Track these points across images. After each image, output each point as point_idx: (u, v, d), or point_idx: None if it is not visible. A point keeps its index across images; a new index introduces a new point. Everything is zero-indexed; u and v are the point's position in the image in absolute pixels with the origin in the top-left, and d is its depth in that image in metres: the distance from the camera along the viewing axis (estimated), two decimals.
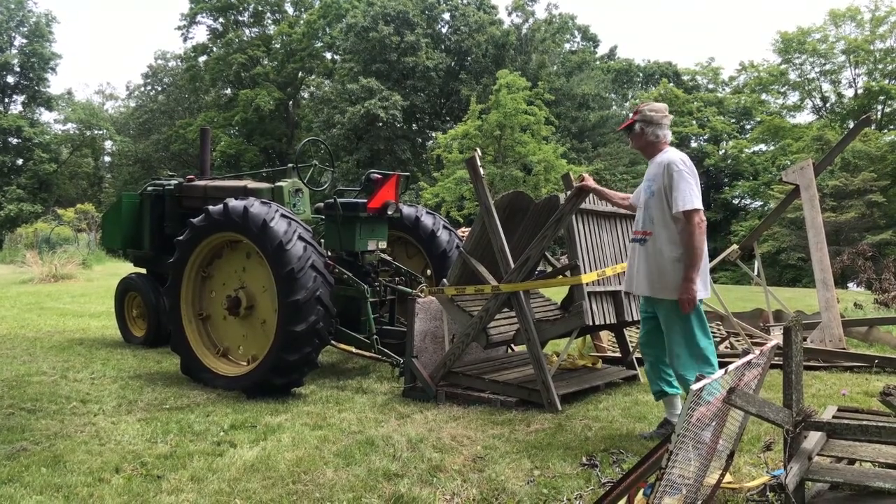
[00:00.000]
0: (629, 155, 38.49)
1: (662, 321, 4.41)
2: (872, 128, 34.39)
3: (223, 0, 47.52)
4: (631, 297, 5.71)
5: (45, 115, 51.15)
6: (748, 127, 45.11)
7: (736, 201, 40.88)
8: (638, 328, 7.43)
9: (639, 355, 6.66)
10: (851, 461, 3.27)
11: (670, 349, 4.39)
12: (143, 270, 8.52)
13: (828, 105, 41.72)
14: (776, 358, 4.20)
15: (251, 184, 7.70)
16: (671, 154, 4.39)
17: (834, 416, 3.61)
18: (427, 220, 7.68)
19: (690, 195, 4.21)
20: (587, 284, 5.28)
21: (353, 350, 6.41)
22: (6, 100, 48.52)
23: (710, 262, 5.26)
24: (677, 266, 4.28)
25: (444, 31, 43.46)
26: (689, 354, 4.31)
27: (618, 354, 6.89)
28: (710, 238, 4.64)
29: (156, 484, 3.71)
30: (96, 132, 54.14)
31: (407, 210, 7.71)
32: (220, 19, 48.95)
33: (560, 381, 5.72)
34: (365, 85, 37.94)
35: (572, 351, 6.69)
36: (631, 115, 4.66)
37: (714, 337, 6.81)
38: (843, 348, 7.18)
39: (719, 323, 8.40)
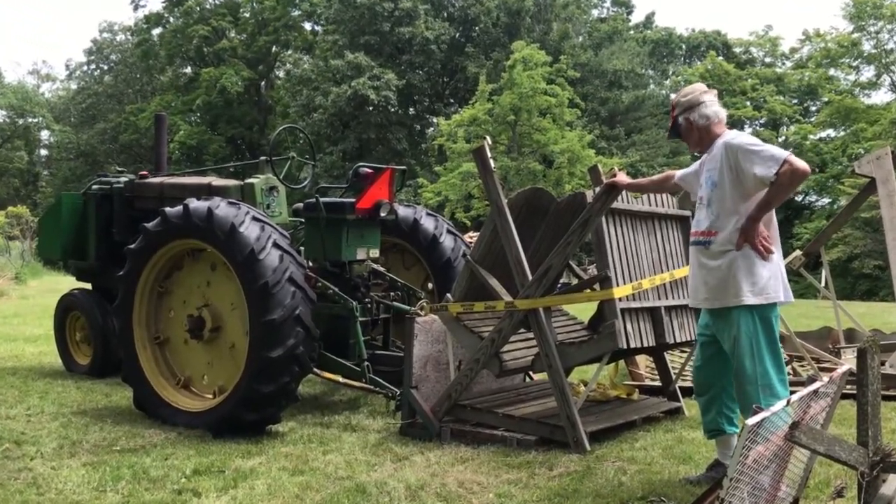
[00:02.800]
0: (670, 143, 38.49)
1: (728, 338, 4.37)
2: None
3: None
4: (674, 315, 5.72)
5: None
6: (813, 109, 45.09)
7: (799, 198, 40.80)
8: (681, 351, 7.48)
9: (682, 384, 6.67)
10: None
11: (739, 373, 4.35)
12: (88, 285, 8.57)
13: None
14: (848, 386, 4.20)
15: (216, 181, 7.74)
16: (725, 135, 4.46)
17: None
18: (427, 224, 7.70)
19: (773, 149, 4.25)
20: (620, 300, 5.29)
21: (340, 379, 6.43)
22: None
23: None
24: (748, 261, 4.27)
25: None
26: (759, 382, 4.28)
27: (658, 383, 6.89)
28: None
29: None
30: (30, 120, 54.44)
31: (404, 211, 7.74)
32: None
33: (588, 416, 5.73)
34: (352, 61, 38.02)
35: (602, 379, 6.70)
36: (670, 115, 4.70)
37: None
38: None
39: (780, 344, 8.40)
